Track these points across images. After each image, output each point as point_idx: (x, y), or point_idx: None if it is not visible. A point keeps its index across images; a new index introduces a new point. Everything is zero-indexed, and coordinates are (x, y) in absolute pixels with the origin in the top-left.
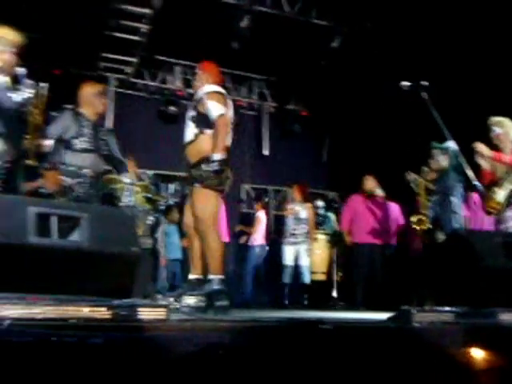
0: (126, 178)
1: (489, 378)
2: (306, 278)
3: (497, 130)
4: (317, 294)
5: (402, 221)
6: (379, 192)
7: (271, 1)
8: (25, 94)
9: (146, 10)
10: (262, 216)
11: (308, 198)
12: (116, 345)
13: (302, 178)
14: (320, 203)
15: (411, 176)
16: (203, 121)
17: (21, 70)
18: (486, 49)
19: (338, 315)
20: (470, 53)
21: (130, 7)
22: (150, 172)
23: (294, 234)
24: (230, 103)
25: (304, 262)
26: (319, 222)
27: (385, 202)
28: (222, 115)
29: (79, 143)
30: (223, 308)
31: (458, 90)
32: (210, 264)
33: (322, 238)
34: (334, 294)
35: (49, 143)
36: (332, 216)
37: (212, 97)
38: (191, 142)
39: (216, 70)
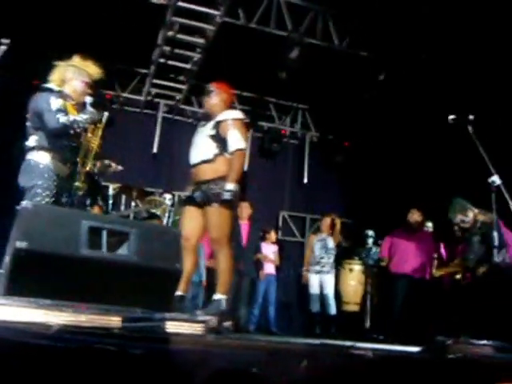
0: (168, 200)
1: None
2: (332, 309)
3: None
4: (349, 325)
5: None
6: (429, 226)
7: (322, 34)
8: (75, 117)
9: (200, 40)
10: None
11: (334, 229)
12: (153, 356)
13: (340, 208)
14: (371, 232)
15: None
16: (224, 144)
17: (89, 99)
18: None
19: (370, 346)
20: None
21: (184, 36)
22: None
23: (319, 263)
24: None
25: (329, 291)
26: (361, 253)
27: (429, 237)
28: (241, 150)
29: None
30: (229, 329)
31: (504, 124)
32: (221, 284)
33: (356, 268)
34: (367, 325)
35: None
36: (376, 249)
37: (238, 126)
38: (208, 160)
39: (231, 91)
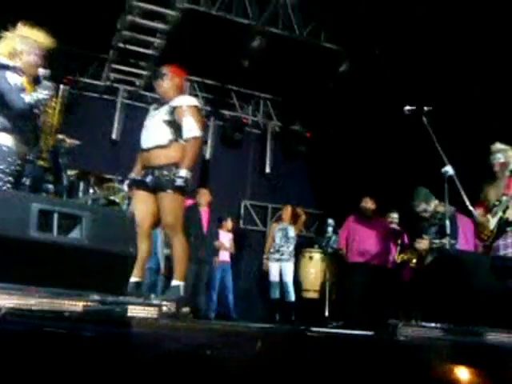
0: (126, 187)
1: None
2: (291, 296)
3: (501, 158)
4: (308, 312)
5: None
6: (395, 217)
7: (283, 23)
8: (38, 95)
9: (161, 25)
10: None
11: (296, 219)
12: (107, 339)
13: (302, 197)
14: (330, 221)
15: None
16: (179, 130)
17: (42, 72)
18: (488, 79)
19: (324, 330)
20: (472, 80)
21: (145, 21)
22: None
23: (279, 251)
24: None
25: (288, 279)
26: (321, 242)
27: (384, 224)
28: (197, 138)
29: None
30: (187, 315)
31: (459, 115)
32: (177, 269)
33: (316, 256)
34: (327, 312)
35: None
36: (336, 237)
37: (193, 113)
38: (162, 146)
39: (183, 75)
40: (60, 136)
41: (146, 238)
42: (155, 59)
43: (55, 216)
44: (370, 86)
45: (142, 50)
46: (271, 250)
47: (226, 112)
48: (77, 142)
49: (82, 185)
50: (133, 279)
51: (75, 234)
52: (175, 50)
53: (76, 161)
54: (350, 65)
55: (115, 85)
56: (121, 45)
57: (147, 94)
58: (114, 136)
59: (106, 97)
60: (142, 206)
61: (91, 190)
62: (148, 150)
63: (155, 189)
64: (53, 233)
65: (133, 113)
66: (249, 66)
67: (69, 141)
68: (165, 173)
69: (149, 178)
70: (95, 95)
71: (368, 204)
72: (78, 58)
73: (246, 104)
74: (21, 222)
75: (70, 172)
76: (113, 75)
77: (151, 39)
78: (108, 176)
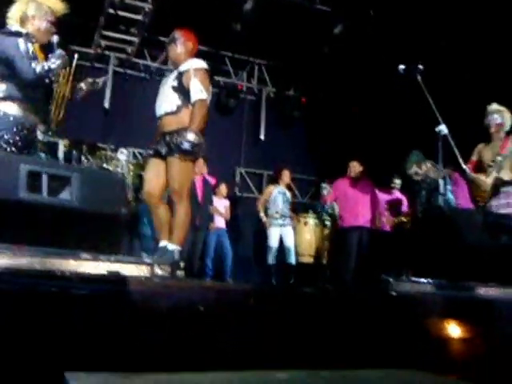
0: (122, 155)
1: (460, 347)
2: (292, 259)
3: (498, 119)
4: (304, 276)
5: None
6: (397, 183)
7: None
8: (51, 64)
9: None
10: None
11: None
12: (99, 297)
13: (297, 163)
14: (325, 186)
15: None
16: (187, 95)
17: (54, 38)
18: (483, 37)
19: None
20: (468, 39)
21: None
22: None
23: (282, 216)
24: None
25: (290, 243)
26: (316, 207)
27: (370, 183)
28: (203, 100)
29: None
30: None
31: (453, 74)
32: (175, 233)
33: (311, 221)
34: (323, 276)
35: None
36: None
37: (199, 75)
38: (172, 113)
39: (196, 39)
40: (89, 80)
41: (159, 202)
42: (146, 25)
43: (44, 177)
44: (365, 47)
45: (132, 15)
46: (275, 216)
47: (220, 78)
48: (102, 80)
49: (74, 154)
50: (162, 243)
51: (65, 195)
52: (166, 16)
53: (69, 131)
54: (344, 27)
55: (106, 52)
56: (111, 10)
57: (139, 61)
58: (106, 105)
59: (97, 65)
60: (152, 173)
61: (84, 159)
62: (161, 117)
63: (166, 155)
64: (42, 194)
65: (124, 81)
66: (242, 31)
67: (98, 80)
68: (174, 137)
69: (161, 145)
70: (86, 63)
71: (356, 167)
72: (68, 26)
73: (241, 70)
74: (10, 183)
75: (63, 142)
76: (103, 42)
77: (141, 4)
78: (100, 144)
